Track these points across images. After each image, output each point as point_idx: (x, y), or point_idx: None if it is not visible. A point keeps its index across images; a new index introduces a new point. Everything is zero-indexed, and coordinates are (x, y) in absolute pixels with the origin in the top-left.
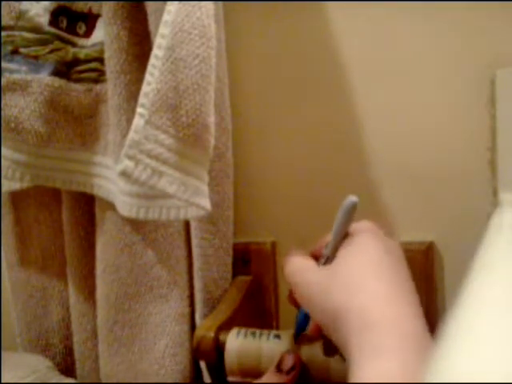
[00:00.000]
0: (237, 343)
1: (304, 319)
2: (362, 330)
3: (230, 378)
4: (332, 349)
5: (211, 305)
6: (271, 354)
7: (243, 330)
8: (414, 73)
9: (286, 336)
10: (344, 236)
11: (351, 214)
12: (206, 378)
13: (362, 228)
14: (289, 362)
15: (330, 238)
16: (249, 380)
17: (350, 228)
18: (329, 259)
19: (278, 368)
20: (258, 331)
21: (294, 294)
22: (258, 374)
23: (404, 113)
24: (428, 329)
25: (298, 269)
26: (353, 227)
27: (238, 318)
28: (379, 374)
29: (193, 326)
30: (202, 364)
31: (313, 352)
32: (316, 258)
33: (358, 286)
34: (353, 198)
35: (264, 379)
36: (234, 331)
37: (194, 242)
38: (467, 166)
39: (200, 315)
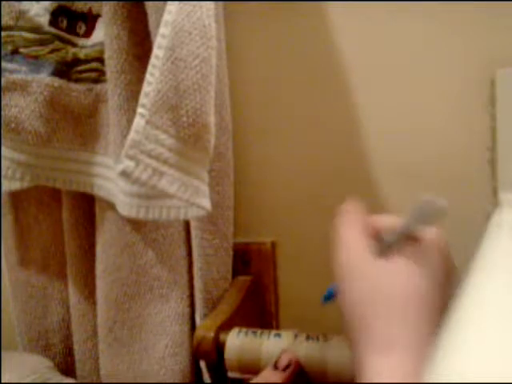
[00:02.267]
0: (238, 340)
1: (331, 295)
2: (381, 352)
3: (230, 374)
4: None
5: (211, 305)
6: (271, 352)
7: (244, 330)
8: (414, 73)
9: (287, 335)
10: (412, 238)
11: (433, 218)
12: (206, 378)
13: (434, 244)
14: (285, 360)
15: (393, 221)
16: (248, 376)
17: (423, 231)
18: (385, 252)
19: (275, 366)
20: (258, 331)
21: (335, 268)
22: (257, 371)
23: (404, 113)
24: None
25: (351, 247)
26: (426, 235)
27: (238, 318)
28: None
29: (193, 326)
30: (202, 364)
31: (311, 351)
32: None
33: (397, 313)
34: (443, 202)
35: (261, 377)
36: (235, 330)
37: (194, 242)
38: (467, 166)
39: (200, 315)
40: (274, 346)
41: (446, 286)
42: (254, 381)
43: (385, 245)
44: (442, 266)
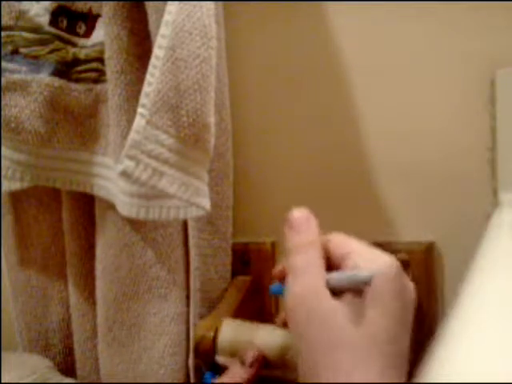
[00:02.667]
0: (232, 325)
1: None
2: None
3: (219, 359)
4: None
5: (208, 305)
6: (264, 339)
7: (237, 322)
8: (414, 73)
9: (281, 330)
10: (364, 286)
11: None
12: (192, 378)
13: (385, 275)
14: (251, 356)
15: (349, 250)
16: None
17: (372, 261)
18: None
19: (242, 362)
20: (248, 323)
21: (285, 295)
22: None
23: (404, 113)
24: (426, 334)
25: (308, 278)
26: (376, 264)
27: (238, 318)
28: None
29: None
30: (191, 363)
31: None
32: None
33: (348, 364)
34: (368, 279)
35: (229, 373)
36: (226, 323)
37: (192, 241)
38: (467, 166)
39: (196, 315)
40: (268, 334)
41: (405, 322)
42: (223, 377)
43: (333, 283)
44: (398, 303)
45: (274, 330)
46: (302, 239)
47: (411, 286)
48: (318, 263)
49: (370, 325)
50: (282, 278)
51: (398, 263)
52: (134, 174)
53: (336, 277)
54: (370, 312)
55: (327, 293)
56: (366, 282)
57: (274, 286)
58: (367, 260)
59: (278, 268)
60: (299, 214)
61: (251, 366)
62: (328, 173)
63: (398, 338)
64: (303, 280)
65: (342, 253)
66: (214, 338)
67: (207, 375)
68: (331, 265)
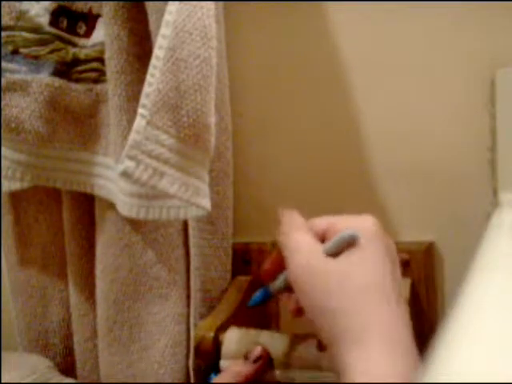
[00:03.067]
0: (237, 333)
1: (266, 296)
2: (358, 347)
3: (224, 363)
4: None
5: (209, 305)
6: (268, 342)
7: (241, 330)
8: (414, 73)
9: (285, 335)
10: (352, 241)
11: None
12: (192, 378)
13: (370, 230)
14: (256, 353)
15: (329, 222)
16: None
17: (357, 224)
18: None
19: (246, 357)
20: (254, 331)
21: (290, 268)
22: None
23: (404, 113)
24: (426, 334)
25: (306, 250)
26: (361, 227)
27: (238, 318)
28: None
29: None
30: (191, 363)
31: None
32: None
33: (362, 300)
34: (355, 234)
35: (232, 366)
36: (231, 330)
37: (193, 241)
38: (467, 165)
39: (197, 315)
40: (271, 341)
41: (395, 271)
42: (225, 370)
43: (326, 252)
44: (386, 259)
45: (279, 334)
46: (290, 226)
47: (392, 242)
48: (308, 237)
49: (370, 270)
50: (273, 274)
51: (376, 221)
52: (135, 174)
53: (327, 246)
54: (367, 257)
55: (324, 256)
56: (354, 238)
57: (255, 296)
58: (349, 222)
59: (265, 266)
60: (283, 212)
61: (255, 362)
62: (328, 173)
63: (395, 279)
64: (299, 253)
65: (327, 228)
66: (216, 340)
67: (212, 375)
68: (322, 242)
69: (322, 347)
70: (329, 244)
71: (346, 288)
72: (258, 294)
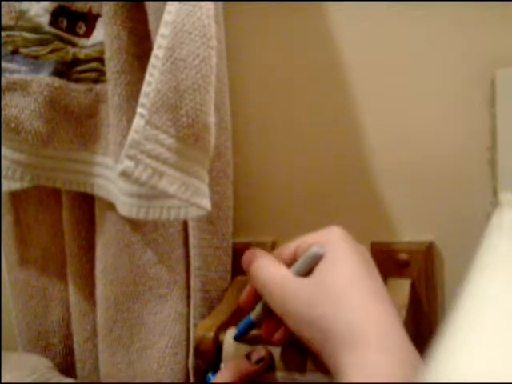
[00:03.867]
0: (234, 343)
1: (249, 326)
2: (351, 348)
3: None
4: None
5: (209, 304)
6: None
7: None
8: (414, 73)
9: None
10: (319, 258)
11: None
12: (192, 378)
13: (336, 239)
14: (259, 354)
15: (297, 244)
16: None
17: (322, 236)
18: (301, 275)
19: (248, 357)
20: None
21: (271, 304)
22: None
23: (404, 113)
24: (426, 334)
25: (275, 277)
26: (326, 237)
27: (238, 318)
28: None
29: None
30: (191, 364)
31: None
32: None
33: (343, 301)
34: (319, 251)
35: (233, 364)
36: (231, 332)
37: (193, 241)
38: (467, 165)
39: (196, 315)
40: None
41: (372, 272)
42: (226, 368)
43: (296, 271)
44: (355, 257)
45: None
46: (256, 262)
47: (363, 247)
48: (275, 266)
49: (342, 273)
50: (252, 304)
51: (342, 230)
52: (134, 174)
53: (295, 267)
54: (337, 263)
55: (295, 277)
56: (318, 255)
57: (239, 328)
58: (314, 238)
59: (243, 298)
60: (247, 252)
61: (257, 362)
62: (328, 173)
63: (374, 279)
64: (271, 285)
65: (295, 250)
66: (216, 340)
67: (209, 375)
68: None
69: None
70: (296, 265)
71: (325, 295)
72: (241, 326)
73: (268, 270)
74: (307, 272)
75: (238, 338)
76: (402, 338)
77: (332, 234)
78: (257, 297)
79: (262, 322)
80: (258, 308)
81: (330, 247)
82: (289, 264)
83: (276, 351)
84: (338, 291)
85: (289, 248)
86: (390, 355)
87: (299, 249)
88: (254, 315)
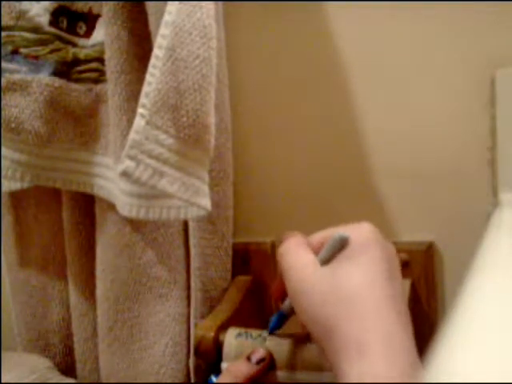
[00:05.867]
0: (234, 343)
1: (280, 318)
2: (354, 354)
3: (225, 365)
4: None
5: (209, 304)
6: (270, 344)
7: (242, 331)
8: (414, 73)
9: (287, 335)
10: (344, 242)
11: (341, 248)
12: (193, 377)
13: (364, 233)
14: (260, 354)
15: (326, 234)
16: None
17: (352, 231)
18: (323, 263)
19: (248, 358)
20: (255, 332)
21: (287, 287)
22: None
23: (404, 113)
24: (426, 334)
25: (297, 263)
26: (356, 232)
27: (238, 318)
28: None
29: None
30: (191, 364)
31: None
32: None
33: (357, 305)
34: (344, 234)
35: (233, 365)
36: (231, 332)
37: (193, 241)
38: (467, 166)
39: (196, 315)
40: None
41: (394, 276)
42: (227, 370)
43: (322, 259)
44: (382, 262)
45: (280, 334)
46: (287, 246)
47: (391, 246)
48: (303, 252)
49: (362, 276)
50: (283, 296)
51: (373, 226)
52: (135, 174)
53: (321, 253)
54: (359, 263)
55: (318, 267)
56: (344, 238)
57: (272, 322)
58: (344, 230)
59: (273, 291)
60: (286, 233)
61: (258, 363)
62: (328, 173)
63: (394, 285)
64: (293, 270)
65: (323, 239)
66: (216, 340)
67: (212, 377)
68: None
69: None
70: (322, 251)
71: (335, 297)
72: (273, 319)
73: (294, 254)
74: (329, 259)
75: (271, 332)
76: (408, 349)
77: (362, 228)
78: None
79: (292, 313)
80: (288, 300)
81: (357, 243)
82: (315, 253)
83: (275, 350)
84: (353, 293)
85: (316, 237)
86: (392, 365)
87: (326, 239)
88: (284, 308)
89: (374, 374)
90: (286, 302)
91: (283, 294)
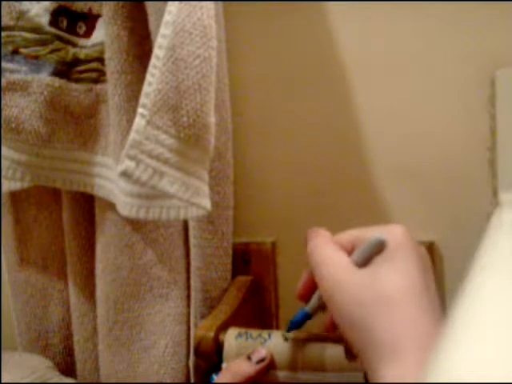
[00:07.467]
0: (235, 343)
1: (304, 317)
2: (389, 358)
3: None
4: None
5: (209, 304)
6: (271, 343)
7: (242, 331)
8: (414, 73)
9: (287, 335)
10: (381, 245)
11: (378, 251)
12: (193, 377)
13: (399, 236)
14: (260, 354)
15: (357, 234)
16: None
17: (388, 233)
18: (359, 265)
19: (249, 357)
20: (255, 332)
21: (319, 284)
22: None
23: (404, 113)
24: None
25: (333, 262)
26: (391, 235)
27: (238, 318)
28: None
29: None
30: (191, 363)
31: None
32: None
33: (395, 310)
34: (382, 237)
35: (233, 364)
36: (231, 332)
37: (193, 241)
38: (467, 166)
39: (197, 315)
40: (272, 348)
41: (428, 279)
42: (227, 369)
43: (355, 261)
44: (417, 265)
45: (280, 334)
46: (316, 242)
47: (424, 249)
48: (333, 250)
49: (399, 279)
50: (308, 295)
51: (405, 229)
52: (135, 174)
53: (355, 254)
54: (396, 267)
55: (352, 267)
56: (382, 242)
57: (295, 318)
58: (377, 232)
59: (299, 289)
60: (311, 230)
61: (258, 363)
62: (328, 173)
63: (429, 288)
64: (325, 266)
65: (354, 239)
66: (216, 340)
67: (213, 376)
68: (349, 254)
69: (351, 357)
70: (357, 252)
71: (374, 298)
72: (297, 317)
73: (326, 250)
74: (366, 262)
75: (290, 330)
76: None
77: (395, 231)
78: (312, 288)
79: (316, 313)
80: (315, 299)
81: (392, 246)
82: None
83: (275, 350)
84: (391, 298)
85: (346, 236)
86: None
87: (357, 240)
88: (309, 307)
89: (409, 378)
90: (313, 301)
91: (311, 292)
